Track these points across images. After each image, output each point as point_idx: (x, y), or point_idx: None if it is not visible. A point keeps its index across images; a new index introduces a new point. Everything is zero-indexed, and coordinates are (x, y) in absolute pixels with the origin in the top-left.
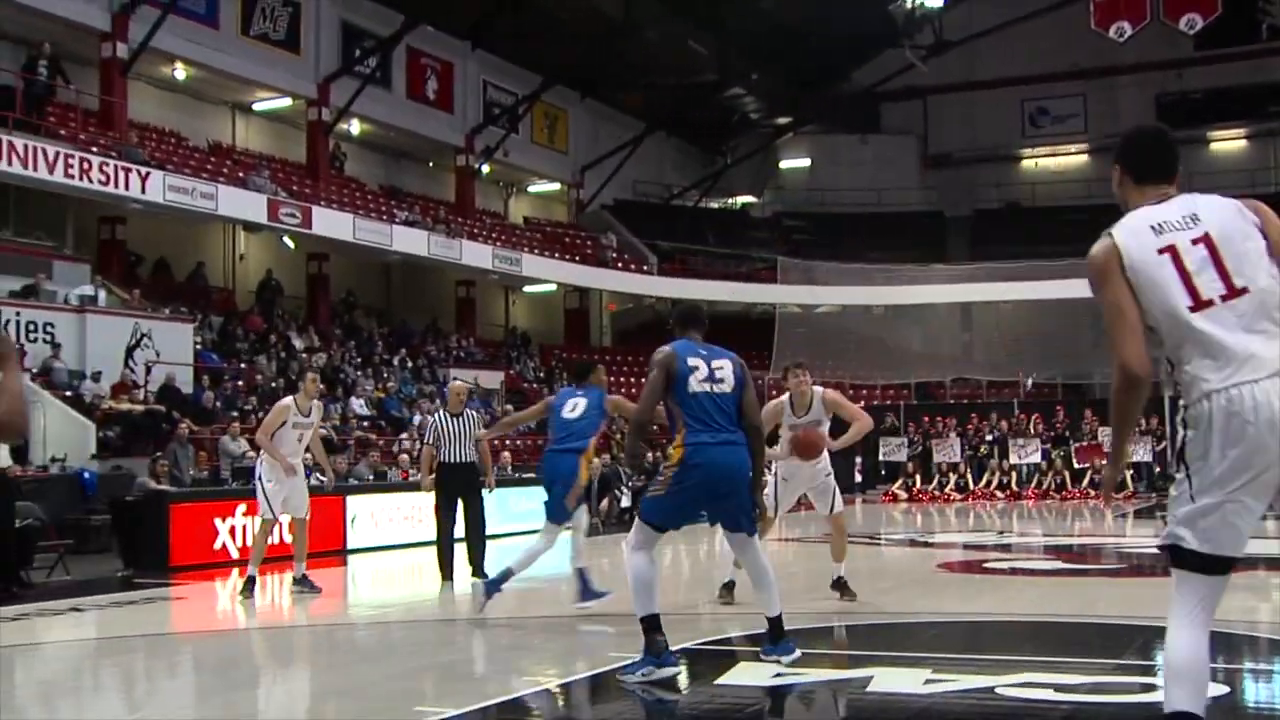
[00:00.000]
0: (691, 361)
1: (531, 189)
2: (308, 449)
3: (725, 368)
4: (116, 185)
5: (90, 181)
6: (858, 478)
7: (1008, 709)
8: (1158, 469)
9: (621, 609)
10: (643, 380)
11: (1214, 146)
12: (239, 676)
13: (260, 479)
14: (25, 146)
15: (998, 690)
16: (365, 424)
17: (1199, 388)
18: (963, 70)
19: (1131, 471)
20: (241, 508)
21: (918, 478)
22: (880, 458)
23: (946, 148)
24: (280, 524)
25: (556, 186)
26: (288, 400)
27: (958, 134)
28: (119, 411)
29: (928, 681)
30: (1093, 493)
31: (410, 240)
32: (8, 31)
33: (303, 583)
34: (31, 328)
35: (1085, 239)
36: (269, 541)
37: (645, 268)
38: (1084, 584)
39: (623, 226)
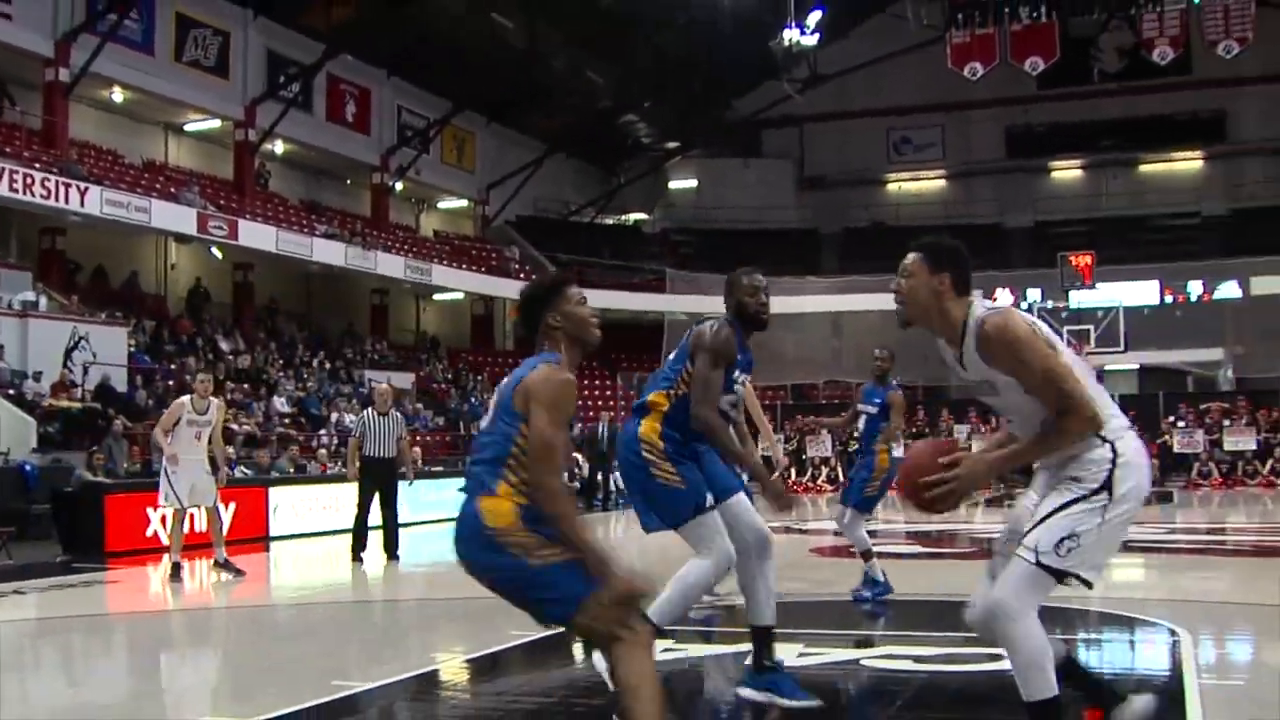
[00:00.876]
0: None
1: (441, 205)
2: (210, 443)
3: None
4: (57, 199)
5: (33, 195)
6: (737, 470)
7: (872, 678)
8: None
9: None
10: None
11: (1054, 175)
12: (169, 655)
13: (165, 472)
14: None
15: (863, 662)
16: (286, 421)
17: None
18: (835, 101)
19: None
20: None
21: (793, 471)
22: (760, 454)
23: (820, 171)
24: (192, 513)
25: (464, 203)
26: (184, 399)
27: (831, 159)
28: (58, 409)
29: (801, 655)
30: None
31: (329, 252)
32: None
33: (225, 566)
34: None
35: None
36: (184, 530)
37: None
38: (939, 566)
39: (525, 240)
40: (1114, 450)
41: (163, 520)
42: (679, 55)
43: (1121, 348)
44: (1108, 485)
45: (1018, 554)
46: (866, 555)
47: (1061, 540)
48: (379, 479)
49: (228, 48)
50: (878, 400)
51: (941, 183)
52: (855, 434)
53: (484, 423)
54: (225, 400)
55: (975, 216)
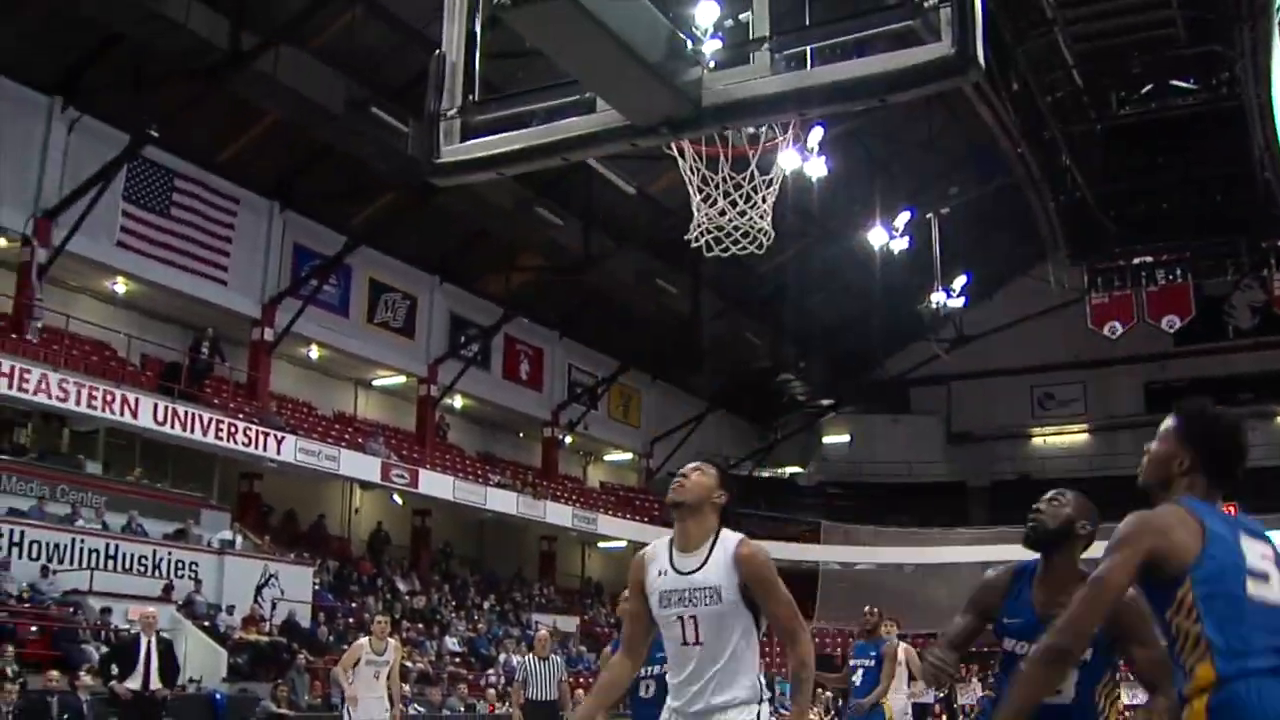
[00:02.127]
0: None
1: (607, 458)
2: (387, 680)
3: None
4: (257, 447)
5: (235, 443)
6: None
7: None
8: None
9: None
10: None
11: None
12: None
13: (346, 711)
14: (186, 413)
15: None
16: (457, 660)
17: None
18: (981, 360)
19: None
20: None
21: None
22: (908, 700)
23: (967, 426)
24: None
25: (629, 456)
26: (364, 640)
27: (977, 414)
28: (248, 641)
29: None
30: None
31: (501, 500)
32: (178, 317)
33: None
34: (180, 566)
35: None
36: None
37: None
38: None
39: None
40: None
41: None
42: (831, 319)
43: None
44: None
45: None
46: None
47: None
48: None
49: (415, 311)
50: (873, 654)
51: (1085, 436)
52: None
53: None
54: (401, 639)
55: (1119, 468)
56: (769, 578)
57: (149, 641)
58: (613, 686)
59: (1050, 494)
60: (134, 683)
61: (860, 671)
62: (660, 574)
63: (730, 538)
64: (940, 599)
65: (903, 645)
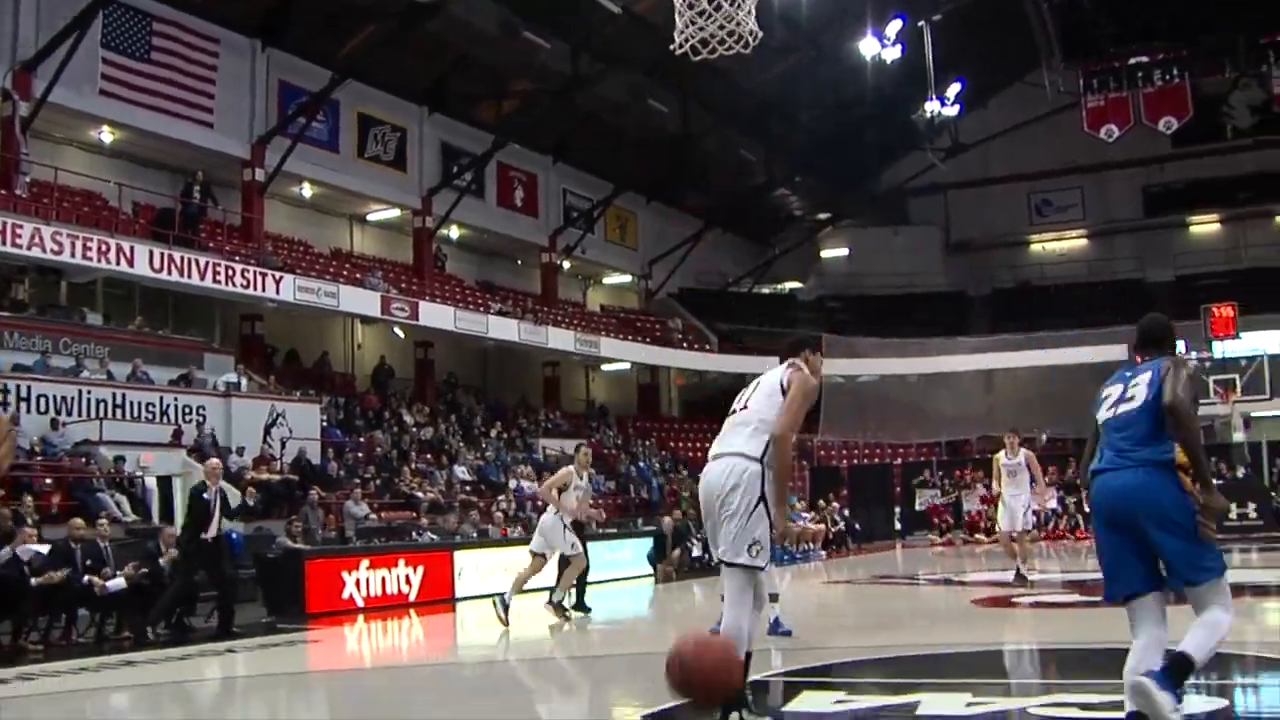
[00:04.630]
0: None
1: (606, 281)
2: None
3: (1139, 381)
4: (255, 288)
5: (234, 285)
6: (897, 525)
7: None
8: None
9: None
10: (708, 446)
11: (1193, 229)
12: (372, 710)
13: (561, 522)
14: (182, 258)
15: (1031, 710)
16: (468, 488)
17: None
18: (977, 168)
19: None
20: (365, 563)
21: (950, 521)
22: (917, 507)
23: (966, 235)
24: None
25: (628, 278)
26: (570, 469)
27: (975, 223)
28: (260, 481)
29: (969, 704)
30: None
31: (503, 328)
32: (168, 163)
33: (560, 608)
34: (187, 410)
35: (1088, 312)
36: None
37: (707, 347)
38: (1099, 614)
39: (687, 311)
40: None
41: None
42: (826, 131)
43: (1268, 394)
44: None
45: None
46: (775, 597)
47: None
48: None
49: (405, 143)
50: None
51: (1084, 241)
52: None
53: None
54: (411, 469)
55: (1118, 273)
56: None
57: (215, 490)
58: None
59: None
60: (211, 531)
61: None
62: None
63: None
64: (945, 408)
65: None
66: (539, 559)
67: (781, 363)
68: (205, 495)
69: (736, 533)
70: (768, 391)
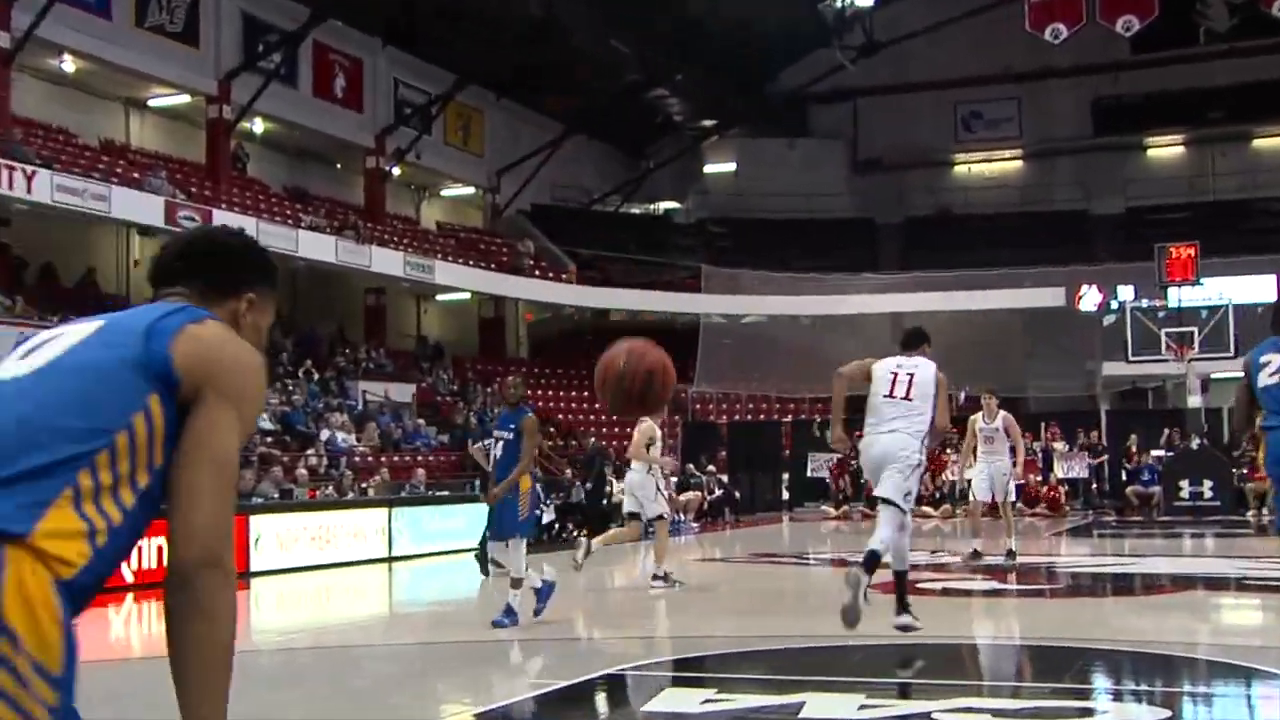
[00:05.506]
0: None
1: (445, 193)
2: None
3: None
4: (0, 184)
5: None
6: (785, 494)
7: None
8: (1094, 485)
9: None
10: (560, 395)
11: (1150, 153)
12: (144, 704)
13: (654, 484)
14: None
15: (935, 716)
16: (269, 439)
17: None
18: (893, 72)
19: (1066, 488)
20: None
21: (848, 493)
22: (809, 474)
23: (876, 152)
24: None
25: (471, 190)
26: (650, 422)
27: (888, 138)
28: None
29: (862, 707)
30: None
31: (317, 245)
32: None
33: (668, 575)
34: None
35: (1019, 246)
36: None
37: (564, 275)
38: (1018, 604)
39: (540, 233)
40: None
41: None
42: (715, 22)
43: (1231, 352)
44: None
45: None
46: (516, 583)
47: None
48: None
49: (197, 11)
50: (512, 426)
51: (1018, 164)
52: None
53: None
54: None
55: (1057, 202)
56: None
57: None
58: None
59: None
60: None
61: (500, 445)
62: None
63: None
64: (846, 355)
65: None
66: (636, 520)
67: (904, 350)
68: None
69: (900, 481)
70: (924, 391)
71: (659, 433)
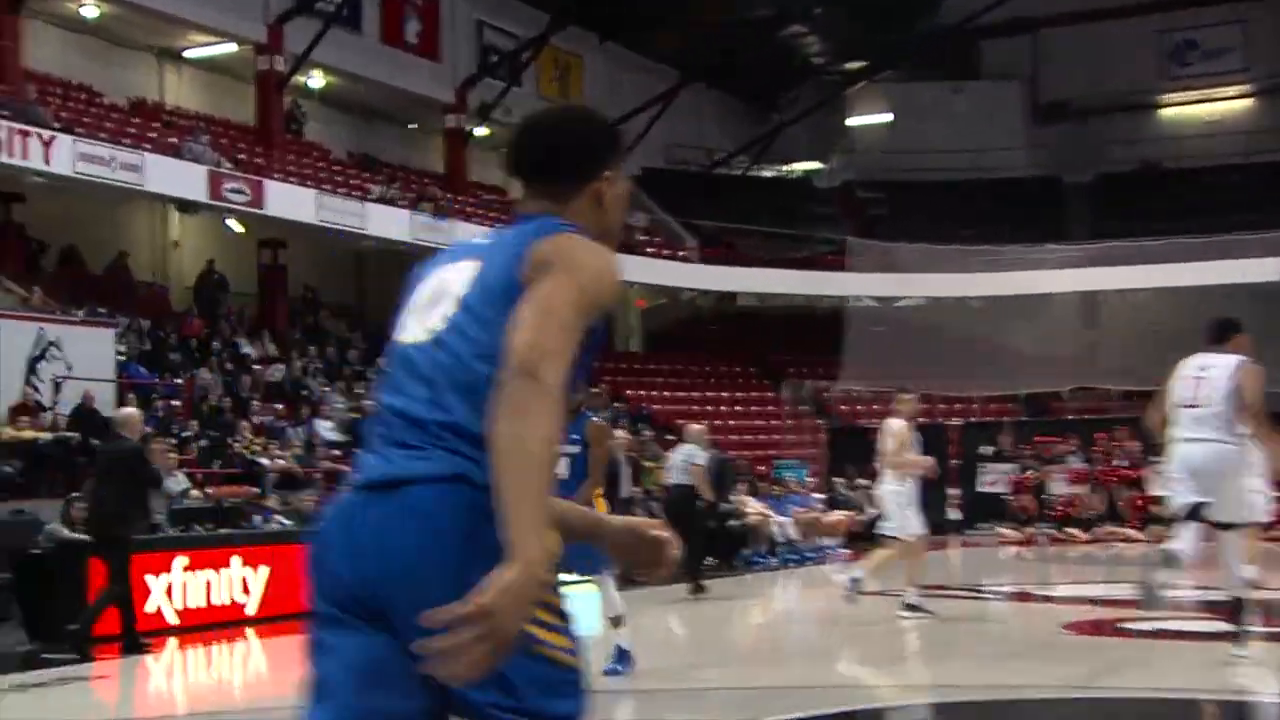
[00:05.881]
0: None
1: None
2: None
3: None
4: (13, 153)
5: None
6: (951, 514)
7: None
8: None
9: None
10: (679, 395)
11: None
12: None
13: (904, 500)
14: None
15: None
16: (335, 452)
17: None
18: None
19: None
20: (183, 560)
21: (1033, 511)
22: (978, 488)
23: (1063, 95)
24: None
25: None
26: (901, 422)
27: (1078, 77)
28: (20, 441)
29: None
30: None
31: (388, 221)
32: None
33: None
34: None
35: (1245, 207)
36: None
37: (682, 253)
38: (1254, 649)
39: (654, 202)
40: None
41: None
42: None
43: None
44: None
45: None
46: (617, 621)
47: None
48: None
49: None
50: (576, 437)
51: (1244, 104)
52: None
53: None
54: (253, 424)
55: None
56: None
57: None
58: None
59: None
60: None
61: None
62: None
63: None
64: (1025, 346)
65: None
66: (895, 541)
67: (1209, 343)
68: None
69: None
70: (1224, 393)
71: (910, 435)
